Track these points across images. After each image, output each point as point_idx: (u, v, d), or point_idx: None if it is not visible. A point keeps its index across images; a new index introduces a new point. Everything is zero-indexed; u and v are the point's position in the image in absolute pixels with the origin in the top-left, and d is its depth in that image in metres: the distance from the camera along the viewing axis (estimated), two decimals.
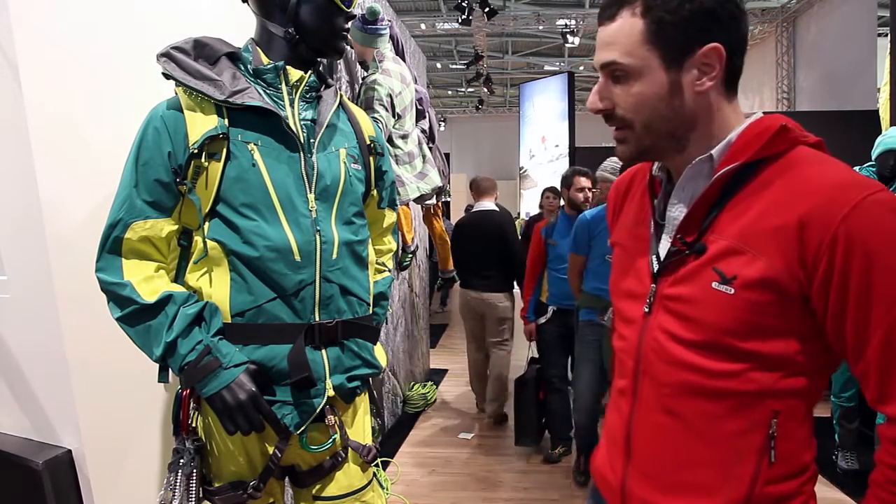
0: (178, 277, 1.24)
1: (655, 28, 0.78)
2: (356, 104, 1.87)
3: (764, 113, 0.85)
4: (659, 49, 0.78)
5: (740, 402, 0.79)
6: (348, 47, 2.77)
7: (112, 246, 1.15)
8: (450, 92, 16.72)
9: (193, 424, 1.22)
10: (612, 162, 3.29)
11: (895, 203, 0.72)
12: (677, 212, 0.86)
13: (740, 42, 0.81)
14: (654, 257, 0.88)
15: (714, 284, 0.78)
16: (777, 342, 0.77)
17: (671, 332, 0.83)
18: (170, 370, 1.19)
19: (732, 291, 0.77)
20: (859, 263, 0.71)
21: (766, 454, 0.80)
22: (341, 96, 1.38)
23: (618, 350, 0.96)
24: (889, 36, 4.58)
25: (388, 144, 2.31)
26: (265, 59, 1.26)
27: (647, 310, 0.87)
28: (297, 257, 1.20)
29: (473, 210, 4.06)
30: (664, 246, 0.87)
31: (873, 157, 2.97)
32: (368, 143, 1.40)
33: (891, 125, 4.22)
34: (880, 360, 0.73)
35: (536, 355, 3.52)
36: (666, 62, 0.79)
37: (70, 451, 1.38)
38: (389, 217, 1.53)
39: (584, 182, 3.20)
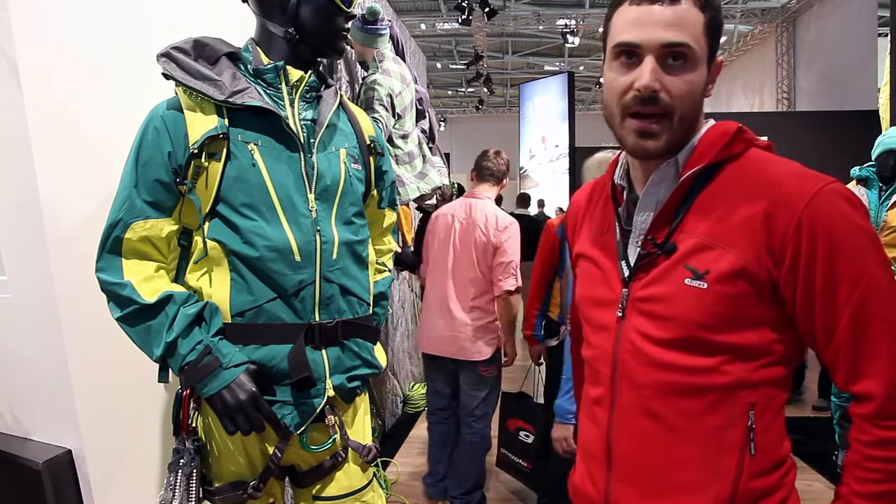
0: (178, 277, 1.24)
1: (710, 25, 0.80)
2: (356, 104, 1.87)
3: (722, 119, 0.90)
4: (709, 45, 0.81)
5: (718, 396, 0.81)
6: (348, 47, 2.77)
7: (112, 246, 1.14)
8: (450, 92, 16.72)
9: (193, 424, 1.22)
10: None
11: (847, 191, 0.77)
12: (645, 216, 0.88)
13: None
14: (623, 263, 0.89)
15: (686, 281, 0.81)
16: (751, 333, 0.80)
17: (646, 334, 0.85)
18: (170, 370, 1.19)
19: (705, 286, 0.79)
20: (823, 247, 0.75)
21: (747, 447, 0.81)
22: (341, 96, 1.38)
23: (589, 359, 0.97)
24: (889, 36, 4.57)
25: (388, 144, 2.31)
26: (265, 59, 1.26)
27: (620, 314, 0.88)
28: (298, 257, 1.20)
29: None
30: (633, 251, 0.89)
31: (873, 158, 2.98)
32: (368, 143, 1.40)
33: (891, 125, 4.22)
34: (849, 339, 0.76)
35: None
36: (708, 59, 0.82)
37: (70, 451, 1.38)
38: (389, 217, 1.53)
39: None
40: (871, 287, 0.75)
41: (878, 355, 0.75)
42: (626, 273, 0.88)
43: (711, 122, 0.88)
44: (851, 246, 0.75)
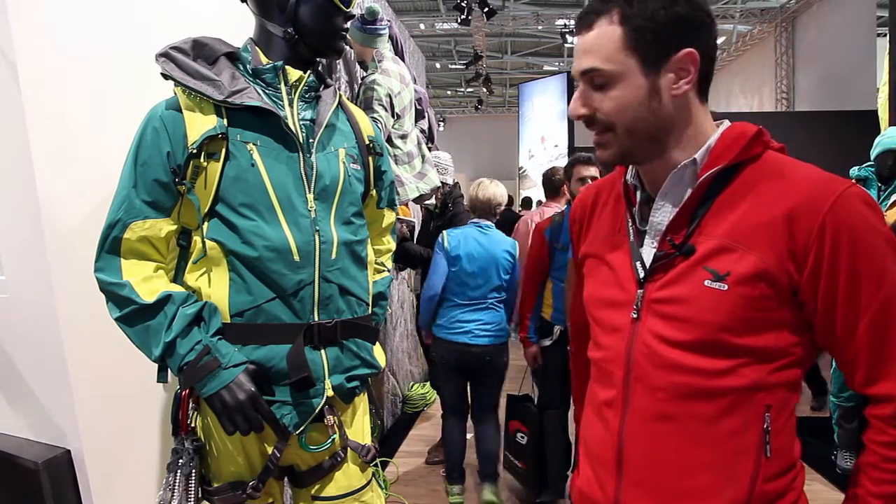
0: (177, 277, 1.24)
1: (634, 35, 0.80)
2: (355, 104, 1.87)
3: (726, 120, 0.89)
4: (638, 54, 0.81)
5: (735, 399, 0.81)
6: (347, 47, 2.77)
7: (111, 246, 1.14)
8: (449, 92, 16.73)
9: (192, 425, 1.22)
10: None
11: (866, 195, 0.78)
12: (662, 216, 0.87)
13: (711, 49, 0.84)
14: (638, 263, 0.88)
15: (707, 283, 0.80)
16: (770, 335, 0.80)
17: (663, 336, 0.84)
18: (169, 370, 1.19)
19: (726, 288, 0.79)
20: (846, 250, 0.75)
21: (763, 450, 0.81)
22: (340, 96, 1.38)
23: (599, 361, 0.95)
24: (889, 36, 4.58)
25: (387, 144, 2.31)
26: (264, 59, 1.26)
27: (634, 316, 0.87)
28: (296, 257, 1.20)
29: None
30: (648, 251, 0.88)
31: (872, 158, 2.97)
32: (367, 143, 1.40)
33: (890, 125, 4.22)
34: (870, 341, 0.77)
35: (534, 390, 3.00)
36: (645, 66, 0.81)
37: (69, 451, 1.38)
38: (388, 217, 1.53)
39: (586, 171, 2.63)
40: (893, 290, 0.76)
41: None
42: (642, 274, 0.87)
43: (727, 122, 0.87)
44: (873, 249, 0.76)
